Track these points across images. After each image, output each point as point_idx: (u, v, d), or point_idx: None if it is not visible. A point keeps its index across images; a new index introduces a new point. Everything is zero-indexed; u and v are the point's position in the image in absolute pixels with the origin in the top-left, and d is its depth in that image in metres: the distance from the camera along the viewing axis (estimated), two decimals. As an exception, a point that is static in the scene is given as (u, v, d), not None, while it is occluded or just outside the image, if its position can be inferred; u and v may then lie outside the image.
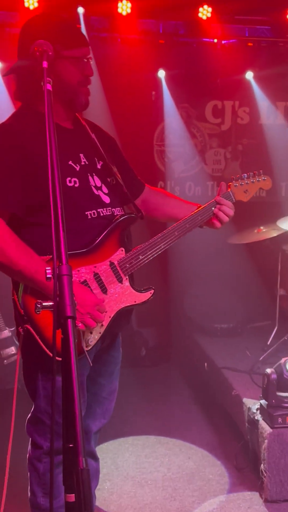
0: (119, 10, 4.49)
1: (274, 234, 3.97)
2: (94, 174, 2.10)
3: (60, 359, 1.05)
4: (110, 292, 2.05)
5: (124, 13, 4.50)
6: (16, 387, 1.89)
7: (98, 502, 2.75)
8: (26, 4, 4.27)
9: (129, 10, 4.51)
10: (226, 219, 2.25)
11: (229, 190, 2.31)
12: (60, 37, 1.95)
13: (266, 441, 2.95)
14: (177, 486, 3.12)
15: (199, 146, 5.09)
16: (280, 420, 2.95)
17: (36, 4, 4.26)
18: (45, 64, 1.54)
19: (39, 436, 2.12)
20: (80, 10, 4.43)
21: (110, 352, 2.26)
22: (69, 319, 1.14)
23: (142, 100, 4.88)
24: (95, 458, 2.43)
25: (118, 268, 2.07)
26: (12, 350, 3.94)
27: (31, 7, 4.26)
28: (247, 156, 5.18)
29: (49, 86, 1.49)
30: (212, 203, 2.22)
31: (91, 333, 2.01)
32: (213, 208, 2.22)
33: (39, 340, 1.83)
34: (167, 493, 3.05)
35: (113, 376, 2.35)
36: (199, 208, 2.23)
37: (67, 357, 1.10)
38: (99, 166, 2.14)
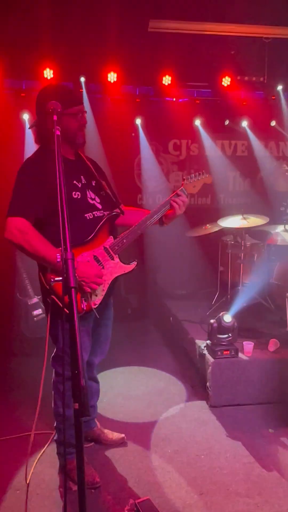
0: (109, 79, 4.47)
1: (216, 229, 4.00)
2: (90, 189, 2.12)
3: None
4: (106, 267, 2.07)
5: (112, 81, 4.47)
6: (47, 337, 1.93)
7: (99, 411, 2.73)
8: (45, 75, 4.25)
9: (115, 79, 4.48)
10: (182, 205, 2.19)
11: (182, 186, 2.27)
12: (64, 99, 1.95)
13: (210, 367, 2.97)
14: (152, 398, 3.14)
15: (165, 170, 5.10)
16: (219, 353, 2.98)
17: (52, 75, 4.23)
18: (55, 117, 1.58)
19: (59, 367, 2.13)
20: (82, 79, 4.42)
21: (105, 311, 2.25)
22: (72, 288, 1.17)
23: (125, 139, 4.86)
24: (96, 381, 2.49)
25: (110, 250, 2.09)
26: (40, 311, 3.91)
27: (48, 77, 4.24)
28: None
29: (58, 132, 1.51)
30: (167, 201, 2.18)
31: (96, 295, 2.04)
32: (167, 207, 2.18)
33: (59, 303, 1.84)
34: (145, 403, 3.07)
35: (108, 327, 2.36)
36: (158, 207, 2.20)
37: (72, 312, 1.14)
38: (93, 184, 2.15)
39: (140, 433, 2.67)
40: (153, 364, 3.70)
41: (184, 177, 2.32)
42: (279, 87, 4.90)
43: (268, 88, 4.92)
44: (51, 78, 4.23)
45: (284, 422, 2.77)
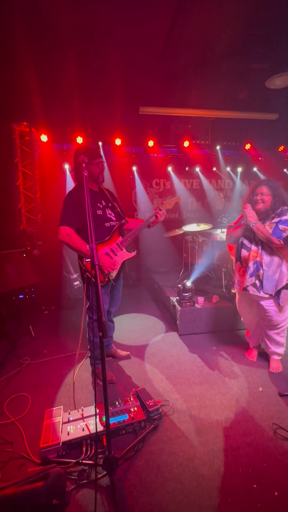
0: (116, 143, 4.44)
1: (181, 232, 3.98)
2: (107, 208, 2.11)
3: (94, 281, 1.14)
4: (118, 255, 2.07)
5: (118, 144, 4.45)
6: (84, 297, 1.92)
7: (114, 339, 2.72)
8: (77, 141, 4.18)
9: (120, 143, 4.45)
10: (162, 215, 2.15)
11: (162, 204, 2.24)
12: (90, 154, 1.96)
13: (178, 312, 2.96)
14: (145, 331, 3.11)
15: (151, 198, 5.07)
16: (183, 304, 2.98)
17: (81, 140, 4.18)
18: (84, 165, 1.60)
19: (90, 313, 2.13)
20: (100, 143, 4.35)
21: (118, 281, 2.24)
22: (96, 265, 1.22)
23: (126, 179, 4.83)
24: (112, 322, 2.46)
25: (120, 244, 2.09)
26: (78, 283, 3.86)
27: (79, 142, 4.18)
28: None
29: (85, 173, 1.52)
30: (153, 213, 2.17)
31: (112, 273, 2.07)
32: (153, 217, 2.18)
33: (91, 277, 1.86)
34: (141, 334, 3.06)
35: (119, 291, 2.34)
36: (149, 216, 2.21)
37: (96, 281, 1.18)
38: (110, 205, 2.14)
39: (138, 351, 2.70)
40: (145, 311, 3.68)
41: (163, 199, 2.30)
42: (218, 147, 4.92)
43: (211, 147, 4.93)
44: (81, 143, 4.20)
45: (221, 342, 2.82)
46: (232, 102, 4.02)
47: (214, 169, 5.06)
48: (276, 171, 5.17)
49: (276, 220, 2.05)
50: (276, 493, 1.37)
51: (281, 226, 2.02)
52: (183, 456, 1.60)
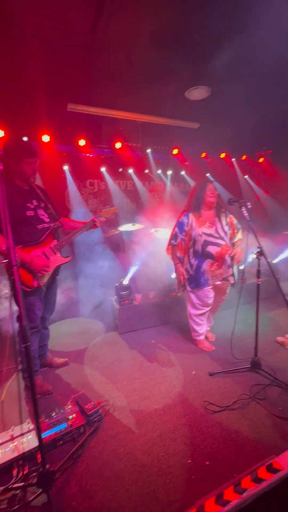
0: (44, 139, 4.15)
1: (117, 232, 4.04)
2: (40, 209, 2.01)
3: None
4: (51, 259, 1.99)
5: (46, 140, 4.17)
6: (9, 306, 1.76)
7: (50, 347, 2.55)
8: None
9: (48, 139, 4.17)
10: (99, 223, 2.18)
11: (100, 212, 2.24)
12: (25, 151, 1.82)
13: (117, 311, 3.01)
14: (84, 335, 3.06)
15: (85, 198, 4.97)
16: (122, 303, 3.03)
17: (2, 133, 3.76)
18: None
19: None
20: (25, 138, 3.96)
21: (52, 285, 2.15)
22: (14, 266, 1.13)
23: (57, 179, 4.60)
24: (47, 329, 2.37)
25: (53, 248, 2.01)
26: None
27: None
28: (104, 200, 5.16)
29: (1, 167, 1.31)
30: (91, 221, 2.16)
31: (44, 277, 1.96)
32: (92, 221, 2.16)
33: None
34: (80, 338, 2.98)
35: (54, 295, 2.24)
36: (86, 223, 2.18)
37: (17, 283, 1.08)
38: (42, 205, 2.03)
39: (77, 356, 2.65)
40: (84, 315, 3.58)
41: (102, 208, 2.28)
42: (148, 150, 5.15)
43: (142, 150, 5.13)
44: (1, 136, 3.78)
45: (159, 335, 2.96)
46: (158, 108, 4.27)
47: (147, 171, 5.27)
48: (201, 175, 5.72)
49: (227, 213, 2.49)
50: (207, 462, 1.52)
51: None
52: (124, 451, 1.62)
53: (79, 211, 4.83)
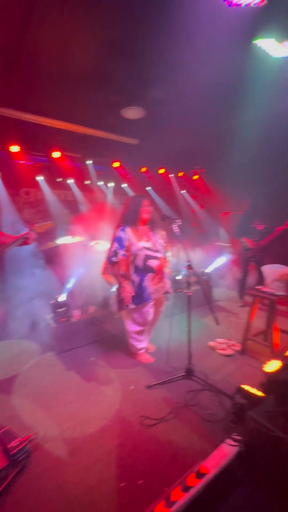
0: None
1: (55, 245, 3.87)
2: None
3: None
4: None
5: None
6: None
7: None
8: None
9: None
10: (31, 239, 2.05)
11: (33, 227, 2.09)
12: None
13: (54, 330, 2.84)
14: (13, 360, 2.76)
15: (19, 208, 4.65)
16: (58, 320, 2.87)
17: None
18: None
19: None
20: None
21: None
22: None
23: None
24: None
25: None
26: None
27: None
28: (41, 211, 4.92)
29: None
30: (22, 237, 2.01)
31: None
32: (23, 237, 2.01)
33: None
34: (8, 364, 2.68)
35: None
36: (15, 238, 2.01)
37: None
38: None
39: (5, 385, 2.37)
40: (16, 336, 3.26)
41: (35, 223, 2.13)
42: (89, 162, 5.12)
43: (82, 161, 5.07)
44: None
45: (99, 351, 2.88)
46: (97, 122, 4.30)
47: (88, 182, 5.22)
48: (141, 189, 5.95)
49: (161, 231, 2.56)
50: (140, 481, 1.51)
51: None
52: (53, 488, 1.50)
53: (11, 221, 4.47)
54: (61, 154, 4.72)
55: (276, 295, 2.48)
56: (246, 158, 4.61)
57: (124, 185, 5.73)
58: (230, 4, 1.83)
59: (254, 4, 1.81)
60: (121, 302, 2.42)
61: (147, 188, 6.08)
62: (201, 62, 2.67)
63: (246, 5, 1.82)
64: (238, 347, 2.77)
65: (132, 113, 3.47)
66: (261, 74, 2.75)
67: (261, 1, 1.80)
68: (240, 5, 1.82)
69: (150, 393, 2.21)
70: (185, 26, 2.17)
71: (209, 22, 2.08)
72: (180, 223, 2.22)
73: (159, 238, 2.56)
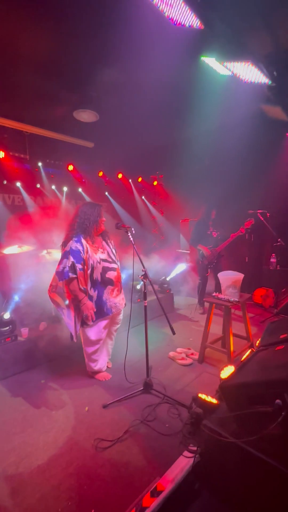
0: None
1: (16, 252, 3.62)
2: None
3: None
4: None
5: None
6: None
7: None
8: None
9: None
10: None
11: None
12: None
13: None
14: None
15: None
16: (2, 341, 2.64)
17: None
18: None
19: None
20: None
21: None
22: None
23: None
24: None
25: None
26: None
27: None
28: None
29: None
30: None
31: None
32: None
33: None
34: None
35: None
36: None
37: None
38: None
39: None
40: None
41: None
42: (40, 164, 4.95)
43: (32, 163, 4.88)
44: None
45: (51, 372, 2.73)
46: (48, 122, 4.20)
47: (38, 185, 5.03)
48: (99, 194, 5.93)
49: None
50: (92, 511, 1.46)
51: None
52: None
53: None
54: (6, 154, 4.49)
55: (230, 301, 2.66)
56: (200, 166, 4.93)
57: (80, 190, 5.65)
58: (175, 23, 1.97)
59: (196, 26, 1.98)
60: (82, 322, 2.34)
61: (106, 193, 6.08)
62: (151, 73, 2.80)
63: (189, 25, 1.98)
64: (197, 356, 2.89)
65: (86, 116, 3.47)
66: (211, 89, 2.99)
67: (200, 26, 1.98)
68: (184, 25, 1.98)
69: (106, 413, 2.16)
70: (134, 40, 2.28)
71: (158, 37, 2.22)
72: (134, 232, 2.26)
73: (112, 247, 2.56)
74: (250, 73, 2.49)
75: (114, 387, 2.46)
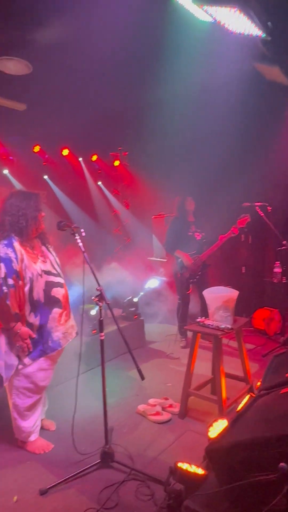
0: None
1: None
2: None
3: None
4: None
5: None
6: None
7: None
8: None
9: None
10: None
11: None
12: None
13: None
14: None
15: None
16: None
17: None
18: None
19: None
20: None
21: None
22: None
23: None
24: None
25: None
26: None
27: None
28: None
29: None
30: None
31: None
32: None
33: None
34: None
35: None
36: None
37: None
38: None
39: None
40: None
41: None
42: None
43: None
44: None
45: None
46: None
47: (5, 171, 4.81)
48: (35, 178, 5.82)
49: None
50: None
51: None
52: None
53: None
54: None
55: (221, 329, 2.74)
56: (179, 141, 5.08)
57: (6, 171, 5.51)
58: None
59: None
60: (16, 359, 2.30)
61: (44, 177, 6.00)
62: (107, 11, 2.85)
63: None
64: (177, 408, 2.93)
65: (13, 66, 3.44)
66: (188, 38, 3.12)
67: None
68: None
69: (45, 502, 2.08)
70: None
71: None
72: (84, 233, 2.25)
73: (55, 255, 2.54)
74: (238, 22, 2.65)
75: (58, 462, 2.40)
